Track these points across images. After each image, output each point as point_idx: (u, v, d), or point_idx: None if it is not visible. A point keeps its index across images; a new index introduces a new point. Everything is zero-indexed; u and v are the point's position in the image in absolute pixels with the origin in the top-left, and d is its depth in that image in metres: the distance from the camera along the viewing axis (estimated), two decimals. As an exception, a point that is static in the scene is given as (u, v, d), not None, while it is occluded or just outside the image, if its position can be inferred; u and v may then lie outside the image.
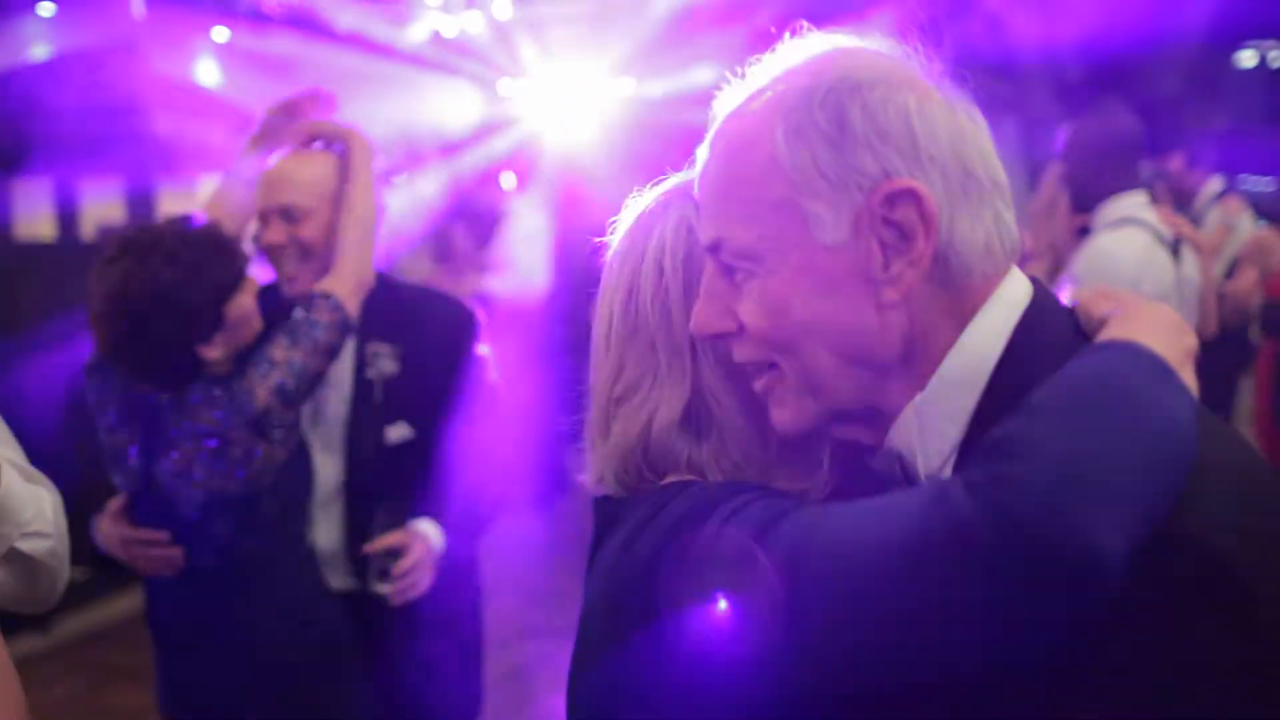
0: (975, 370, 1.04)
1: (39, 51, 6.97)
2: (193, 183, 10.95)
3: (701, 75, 8.06)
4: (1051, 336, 1.05)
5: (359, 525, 2.63)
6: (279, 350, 2.40)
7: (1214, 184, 6.40)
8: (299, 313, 2.44)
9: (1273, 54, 10.67)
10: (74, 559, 6.31)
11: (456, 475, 2.76)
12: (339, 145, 2.64)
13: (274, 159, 2.65)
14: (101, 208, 7.27)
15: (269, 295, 2.57)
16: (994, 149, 1.07)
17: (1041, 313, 1.06)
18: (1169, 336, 1.01)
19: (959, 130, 1.04)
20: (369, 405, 2.68)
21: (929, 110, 1.03)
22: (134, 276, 2.30)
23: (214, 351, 2.38)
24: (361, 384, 2.68)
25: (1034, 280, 1.09)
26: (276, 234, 2.55)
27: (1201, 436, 0.95)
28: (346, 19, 7.74)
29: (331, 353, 2.46)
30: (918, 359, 1.05)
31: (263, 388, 2.37)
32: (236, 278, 2.40)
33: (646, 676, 1.06)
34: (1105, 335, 1.01)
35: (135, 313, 2.30)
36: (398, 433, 2.70)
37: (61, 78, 6.25)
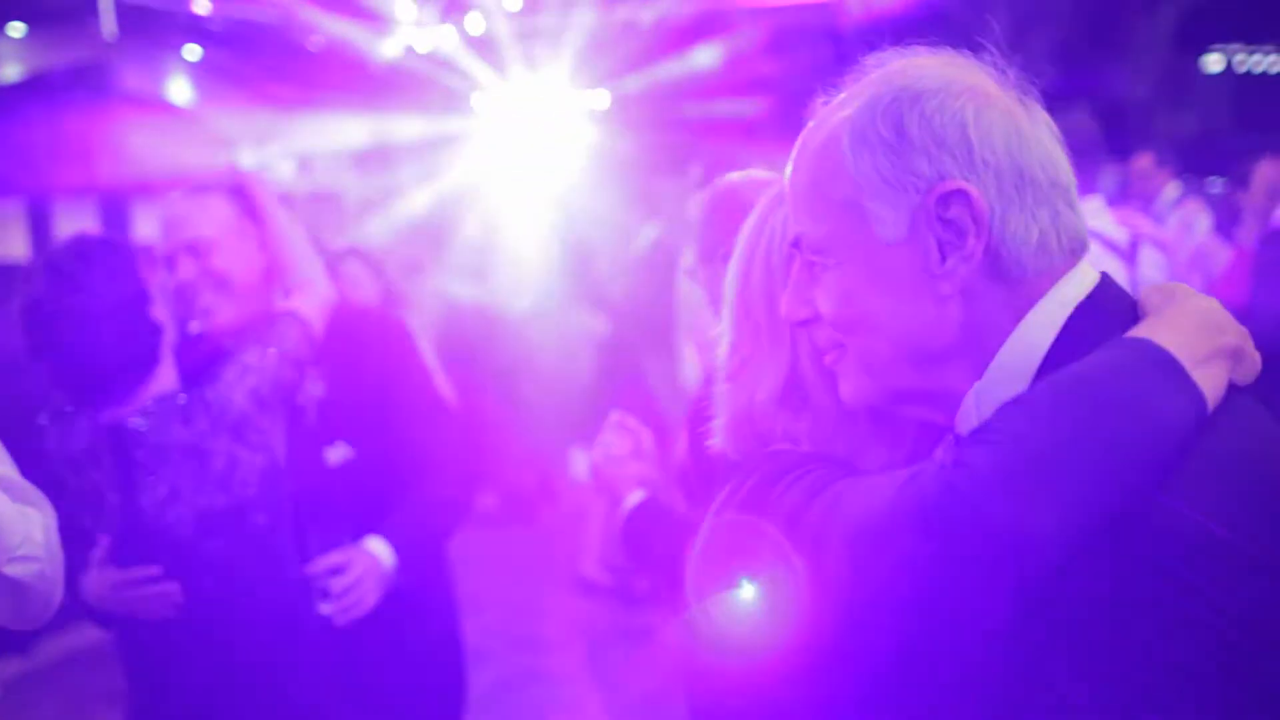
0: (1027, 360, 1.09)
1: (11, 71, 6.95)
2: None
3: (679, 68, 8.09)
4: (1102, 330, 1.09)
5: (309, 549, 2.60)
6: (251, 357, 2.41)
7: (1172, 189, 6.49)
8: (266, 329, 2.46)
9: (1238, 58, 10.80)
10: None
11: (408, 488, 2.74)
12: (236, 188, 2.64)
13: (166, 203, 2.65)
14: (75, 226, 7.24)
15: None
16: (1060, 152, 1.13)
17: (1096, 307, 1.11)
18: (1196, 333, 1.05)
19: (1018, 135, 1.10)
20: (303, 429, 2.65)
21: (987, 117, 1.09)
22: (65, 281, 2.30)
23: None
24: (293, 409, 2.66)
25: (1104, 276, 1.14)
26: (186, 271, 2.53)
27: (1212, 424, 1.01)
28: (319, 35, 7.75)
29: (300, 366, 2.48)
30: (976, 348, 1.11)
31: (239, 391, 2.37)
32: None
33: (717, 629, 1.20)
34: (1131, 332, 1.07)
35: (86, 302, 2.28)
36: (338, 454, 2.67)
37: (34, 97, 6.23)
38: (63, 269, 2.30)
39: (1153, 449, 0.98)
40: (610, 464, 2.44)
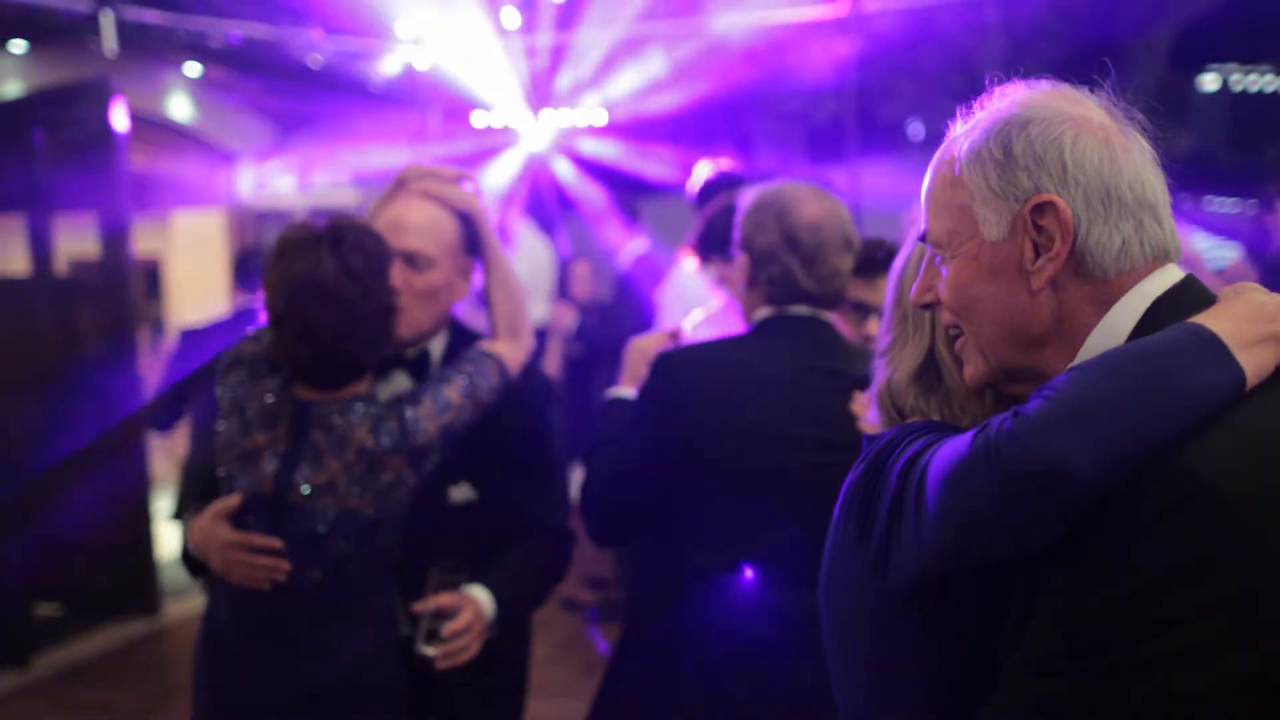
0: (1109, 345, 1.28)
1: (12, 88, 6.98)
2: (166, 217, 10.93)
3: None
4: (1177, 319, 1.26)
5: (414, 586, 2.53)
6: (455, 393, 2.45)
7: None
8: (472, 364, 2.51)
9: (1234, 77, 10.83)
10: (49, 595, 6.24)
11: (517, 542, 2.67)
12: (462, 212, 2.63)
13: (397, 205, 2.62)
14: (75, 244, 7.25)
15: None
16: (1153, 174, 1.33)
17: (1174, 301, 1.29)
18: (1247, 320, 1.23)
19: (1110, 159, 1.30)
20: (437, 464, 2.57)
21: (1082, 142, 1.30)
22: (343, 261, 2.35)
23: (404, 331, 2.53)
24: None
25: (1188, 277, 1.32)
26: (394, 277, 2.50)
27: (1245, 403, 1.18)
28: (320, 53, 7.78)
29: (484, 411, 2.52)
30: (1068, 334, 1.31)
31: (434, 424, 2.42)
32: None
33: (831, 565, 1.46)
34: (1189, 318, 1.24)
35: (343, 298, 2.34)
36: (460, 494, 2.61)
37: (34, 114, 6.25)
38: (354, 267, 2.37)
39: (1184, 411, 1.15)
40: (638, 354, 2.67)
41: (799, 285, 2.47)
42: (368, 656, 2.45)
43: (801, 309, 2.50)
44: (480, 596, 2.54)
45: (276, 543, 2.38)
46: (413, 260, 2.54)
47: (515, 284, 2.66)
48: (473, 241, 2.65)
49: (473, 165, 8.16)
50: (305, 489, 2.38)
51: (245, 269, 5.48)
